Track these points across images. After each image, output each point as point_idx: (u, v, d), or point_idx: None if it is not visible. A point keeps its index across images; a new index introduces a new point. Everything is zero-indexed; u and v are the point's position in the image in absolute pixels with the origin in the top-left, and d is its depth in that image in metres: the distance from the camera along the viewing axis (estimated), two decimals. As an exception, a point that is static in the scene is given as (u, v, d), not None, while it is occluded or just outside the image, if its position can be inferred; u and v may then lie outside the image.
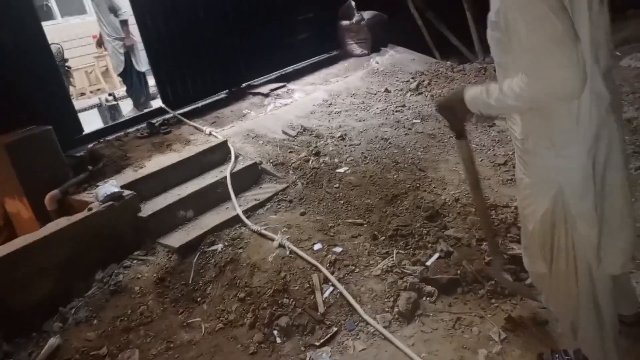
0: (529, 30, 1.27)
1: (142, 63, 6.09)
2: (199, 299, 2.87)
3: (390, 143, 4.27)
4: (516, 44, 1.34)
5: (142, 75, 6.16)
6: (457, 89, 1.75)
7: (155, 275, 3.05)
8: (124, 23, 5.79)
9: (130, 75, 6.09)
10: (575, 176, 1.50)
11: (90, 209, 3.22)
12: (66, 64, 7.12)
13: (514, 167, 1.74)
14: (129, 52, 5.93)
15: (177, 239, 3.29)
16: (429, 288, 2.61)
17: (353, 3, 6.58)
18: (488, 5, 1.45)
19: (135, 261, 3.20)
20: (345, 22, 6.59)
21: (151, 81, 6.70)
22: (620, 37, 5.44)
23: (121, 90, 7.12)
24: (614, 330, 1.72)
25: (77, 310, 2.88)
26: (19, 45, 4.05)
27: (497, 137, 4.23)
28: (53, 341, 2.66)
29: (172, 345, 2.61)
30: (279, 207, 3.54)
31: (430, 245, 2.92)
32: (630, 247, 1.65)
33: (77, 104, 6.19)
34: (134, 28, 5.90)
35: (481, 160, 3.86)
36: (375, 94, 5.28)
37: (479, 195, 2.03)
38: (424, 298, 2.58)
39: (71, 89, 7.29)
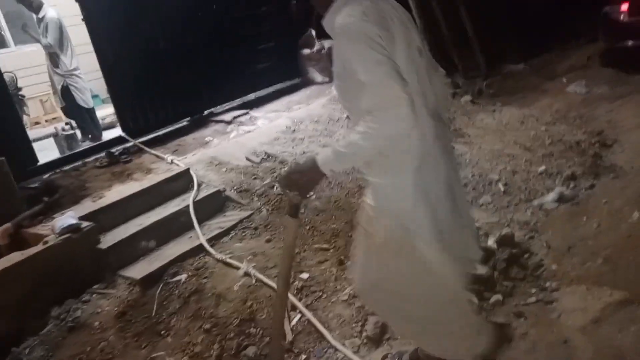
0: (366, 75, 1.42)
1: (85, 99, 5.68)
2: (162, 332, 2.78)
3: (353, 168, 4.33)
4: (358, 90, 1.45)
5: (84, 111, 5.74)
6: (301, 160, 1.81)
7: (116, 309, 2.95)
8: (52, 55, 5.44)
9: (77, 111, 5.73)
10: (407, 203, 1.62)
11: (45, 242, 3.10)
12: (20, 93, 6.90)
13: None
14: (68, 87, 5.57)
15: (139, 270, 3.19)
16: (396, 311, 2.64)
17: (313, 32, 6.72)
18: None
19: (94, 295, 3.08)
20: (306, 51, 6.73)
21: (105, 111, 6.51)
22: (565, 67, 5.81)
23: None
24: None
25: (31, 349, 2.73)
26: (-30, 75, 3.93)
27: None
28: (5, 385, 2.52)
29: (134, 382, 2.52)
30: (244, 234, 3.50)
31: (395, 268, 2.95)
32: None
33: (32, 133, 5.93)
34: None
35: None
36: (338, 120, 5.36)
37: (285, 291, 1.88)
38: (392, 321, 2.60)
39: (25, 118, 7.04)
